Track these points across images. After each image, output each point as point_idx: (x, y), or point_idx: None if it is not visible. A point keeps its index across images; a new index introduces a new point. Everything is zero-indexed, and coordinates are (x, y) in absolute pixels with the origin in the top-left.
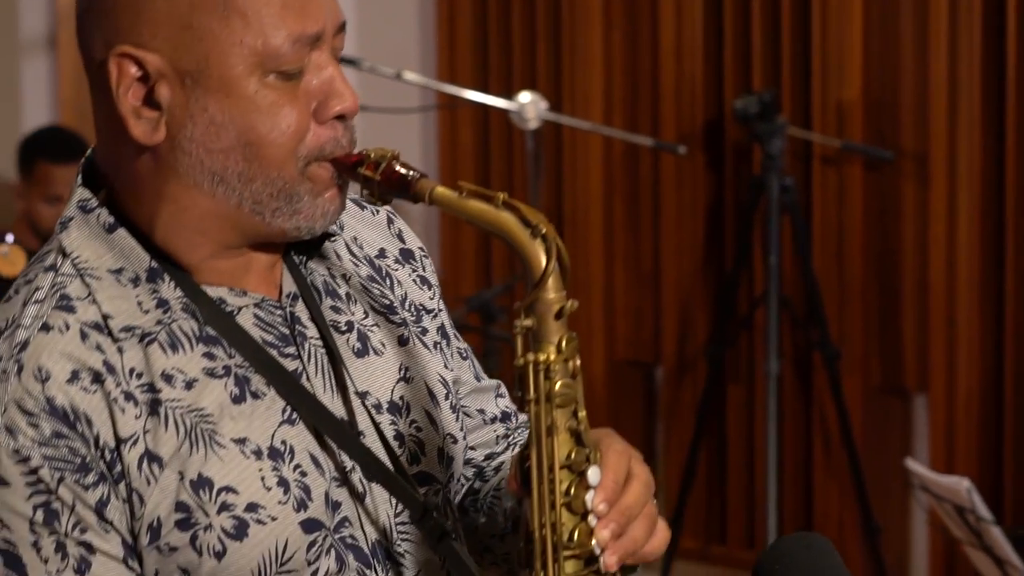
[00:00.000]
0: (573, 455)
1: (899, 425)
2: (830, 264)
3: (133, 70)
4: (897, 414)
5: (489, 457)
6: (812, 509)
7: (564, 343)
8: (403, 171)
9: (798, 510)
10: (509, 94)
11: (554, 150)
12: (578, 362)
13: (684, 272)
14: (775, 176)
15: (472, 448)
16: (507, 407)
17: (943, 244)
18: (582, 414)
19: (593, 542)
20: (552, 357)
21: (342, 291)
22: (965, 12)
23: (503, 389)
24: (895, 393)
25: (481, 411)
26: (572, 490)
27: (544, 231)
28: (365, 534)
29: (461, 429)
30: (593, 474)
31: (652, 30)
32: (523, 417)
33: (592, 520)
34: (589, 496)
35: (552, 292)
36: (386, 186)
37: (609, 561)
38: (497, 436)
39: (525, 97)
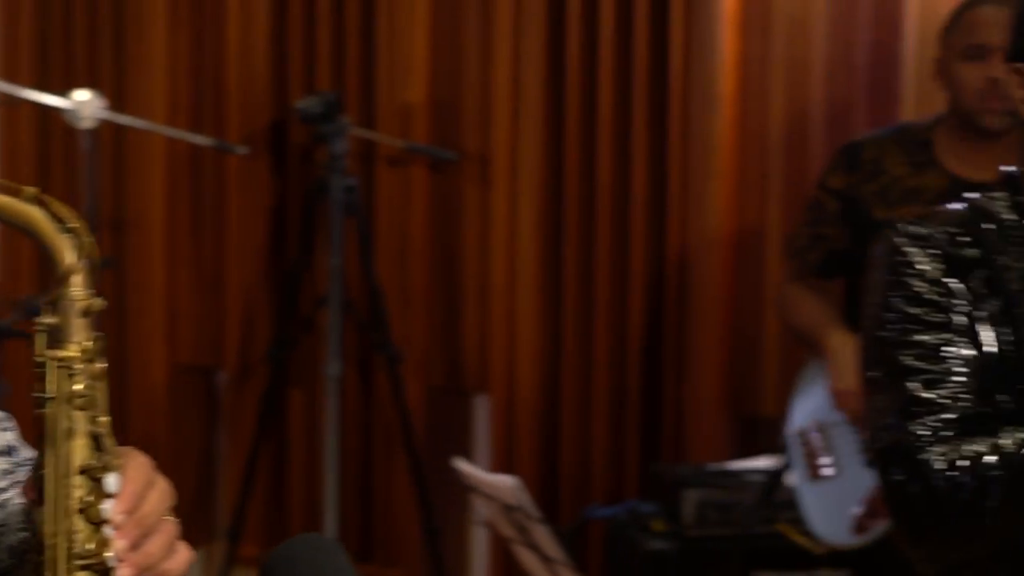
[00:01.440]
0: (92, 461)
1: (460, 426)
2: (393, 266)
3: None
4: (458, 415)
5: None
6: (373, 511)
7: (89, 343)
8: None
9: (359, 512)
10: (71, 93)
11: (115, 151)
12: (103, 365)
13: (247, 275)
14: (339, 177)
15: None
16: (12, 441)
17: (504, 246)
18: (103, 419)
19: (108, 553)
20: (75, 355)
21: None
22: (528, 18)
23: (11, 423)
24: (456, 394)
25: None
26: (89, 497)
27: (74, 227)
28: None
29: None
30: (112, 482)
31: (217, 30)
32: (30, 453)
33: (108, 530)
34: (107, 505)
35: (78, 289)
36: None
37: (123, 574)
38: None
39: (80, 95)
